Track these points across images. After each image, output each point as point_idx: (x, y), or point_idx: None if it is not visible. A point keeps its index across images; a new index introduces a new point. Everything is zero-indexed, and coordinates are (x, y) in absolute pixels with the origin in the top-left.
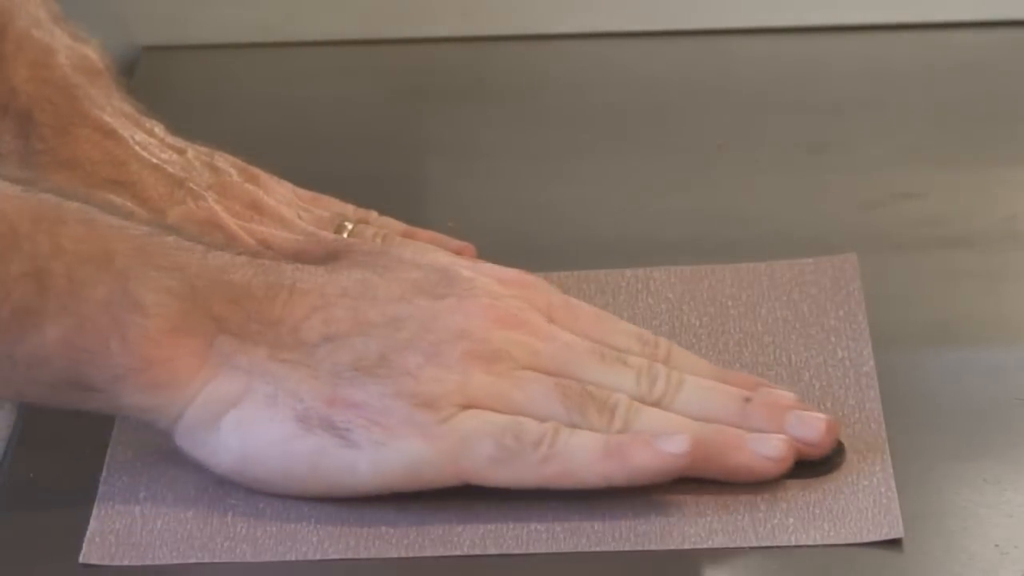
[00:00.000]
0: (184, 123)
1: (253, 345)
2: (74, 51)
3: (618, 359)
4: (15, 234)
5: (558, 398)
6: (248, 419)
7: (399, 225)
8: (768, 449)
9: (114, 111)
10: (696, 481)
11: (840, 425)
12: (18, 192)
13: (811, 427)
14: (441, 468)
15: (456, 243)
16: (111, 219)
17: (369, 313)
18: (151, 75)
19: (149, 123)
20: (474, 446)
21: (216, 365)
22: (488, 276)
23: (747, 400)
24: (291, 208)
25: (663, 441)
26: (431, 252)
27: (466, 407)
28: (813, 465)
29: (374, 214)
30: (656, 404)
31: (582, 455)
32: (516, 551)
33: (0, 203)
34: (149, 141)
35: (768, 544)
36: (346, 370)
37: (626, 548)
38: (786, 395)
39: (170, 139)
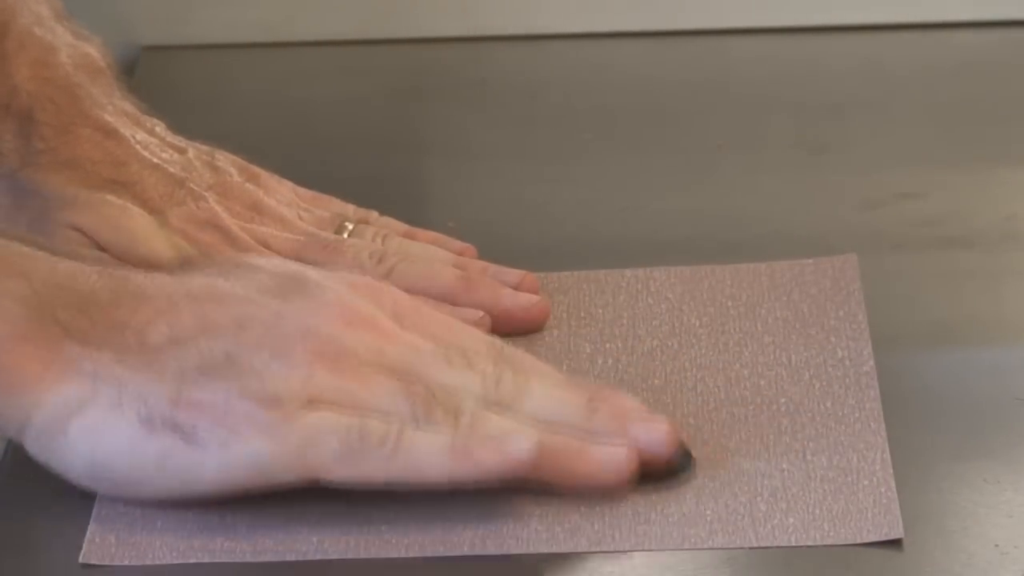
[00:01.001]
0: (184, 123)
1: (98, 350)
2: (76, 49)
3: (464, 362)
4: None
5: (403, 398)
6: (95, 424)
7: (399, 225)
8: (610, 458)
9: (115, 110)
10: (696, 481)
11: (841, 426)
12: None
13: (653, 434)
14: (288, 466)
15: (457, 243)
16: None
17: (215, 315)
18: (151, 75)
19: (150, 122)
20: (319, 444)
21: (61, 371)
22: (337, 280)
23: (591, 407)
24: (291, 208)
25: (508, 443)
26: (281, 260)
27: (311, 405)
28: (659, 475)
29: (374, 214)
30: (501, 408)
31: (428, 454)
32: (516, 551)
33: None
34: (150, 140)
35: (768, 544)
36: (192, 371)
37: (626, 548)
38: (630, 402)
39: (171, 138)
